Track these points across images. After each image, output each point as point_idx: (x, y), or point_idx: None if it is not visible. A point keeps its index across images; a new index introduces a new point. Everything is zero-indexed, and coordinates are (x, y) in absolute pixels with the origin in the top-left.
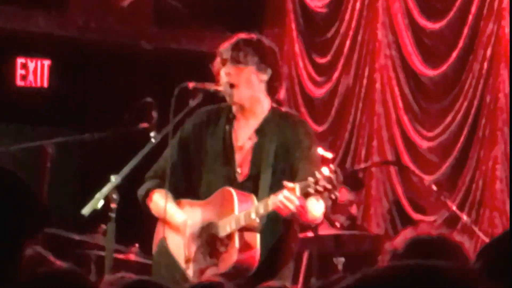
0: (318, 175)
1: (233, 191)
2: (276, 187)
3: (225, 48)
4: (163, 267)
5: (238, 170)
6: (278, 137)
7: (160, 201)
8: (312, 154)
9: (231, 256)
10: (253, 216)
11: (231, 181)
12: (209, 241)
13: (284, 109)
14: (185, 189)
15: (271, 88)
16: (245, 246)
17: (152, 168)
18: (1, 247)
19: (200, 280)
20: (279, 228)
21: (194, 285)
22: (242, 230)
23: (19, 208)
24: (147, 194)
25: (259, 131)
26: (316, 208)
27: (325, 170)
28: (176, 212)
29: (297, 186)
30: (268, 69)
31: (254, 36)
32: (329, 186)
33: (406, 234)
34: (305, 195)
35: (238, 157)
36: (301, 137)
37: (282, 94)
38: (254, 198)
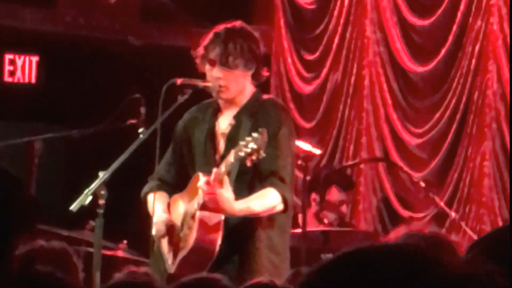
0: (248, 137)
1: (200, 174)
2: (243, 169)
3: (212, 45)
4: (154, 263)
5: (217, 156)
6: (252, 120)
7: (150, 205)
8: (279, 138)
9: (192, 235)
10: (196, 206)
11: (211, 166)
12: (181, 227)
13: (266, 96)
14: (182, 186)
15: (256, 75)
16: (207, 226)
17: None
18: None
19: (176, 267)
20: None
21: (191, 279)
22: (204, 209)
23: (9, 202)
24: (145, 197)
25: (237, 116)
26: (252, 203)
27: (254, 133)
28: (159, 212)
29: (232, 152)
30: (254, 63)
31: (237, 25)
32: (254, 146)
33: (399, 232)
34: (242, 162)
35: (219, 144)
36: (271, 120)
37: (264, 77)
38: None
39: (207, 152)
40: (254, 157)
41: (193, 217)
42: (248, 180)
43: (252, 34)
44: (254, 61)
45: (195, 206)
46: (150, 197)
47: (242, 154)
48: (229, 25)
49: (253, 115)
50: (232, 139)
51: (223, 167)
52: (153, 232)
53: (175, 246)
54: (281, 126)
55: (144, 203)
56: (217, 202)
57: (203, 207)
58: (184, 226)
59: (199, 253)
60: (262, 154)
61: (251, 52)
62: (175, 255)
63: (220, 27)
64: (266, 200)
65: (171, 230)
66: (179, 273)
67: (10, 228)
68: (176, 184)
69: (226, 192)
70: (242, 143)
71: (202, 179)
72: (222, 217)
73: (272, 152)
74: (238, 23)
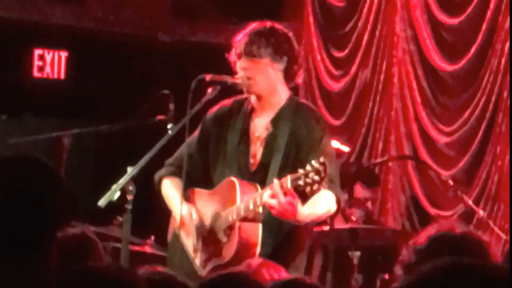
0: (308, 167)
1: (236, 181)
2: (284, 176)
3: (238, 41)
4: (176, 257)
5: (251, 160)
6: (291, 127)
7: (169, 190)
8: (322, 147)
9: (232, 247)
10: (251, 207)
11: (244, 171)
12: (213, 231)
13: (302, 100)
14: (202, 178)
15: (289, 74)
16: (246, 237)
17: (173, 155)
18: (33, 235)
19: (205, 270)
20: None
21: (217, 275)
22: (243, 220)
23: (50, 196)
24: (160, 180)
25: (274, 121)
26: (316, 207)
27: (315, 163)
28: (181, 203)
29: (288, 178)
30: (284, 57)
31: (266, 24)
32: (316, 178)
33: (430, 230)
34: (296, 189)
35: (253, 147)
36: (313, 129)
37: (300, 78)
38: (259, 188)
39: (241, 155)
40: (315, 187)
41: (231, 227)
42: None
43: (281, 30)
44: (282, 54)
45: (234, 216)
46: (166, 183)
47: (301, 183)
48: (261, 23)
49: (291, 121)
50: (270, 146)
51: (276, 186)
52: (193, 223)
53: (206, 248)
54: (323, 134)
55: (157, 185)
56: (285, 211)
57: (245, 219)
58: (218, 231)
59: (238, 263)
60: (325, 185)
61: (278, 44)
62: (207, 258)
63: (251, 26)
64: (326, 202)
65: (200, 229)
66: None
67: (50, 222)
68: (194, 175)
69: (295, 201)
70: (301, 171)
71: (266, 193)
72: (260, 231)
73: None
74: (268, 23)
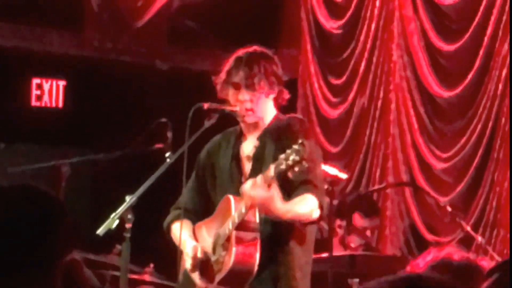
0: (288, 151)
1: (230, 196)
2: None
3: (235, 70)
4: None
5: (243, 179)
6: (276, 138)
7: (177, 234)
8: (305, 149)
9: (230, 257)
10: (243, 210)
11: (238, 190)
12: (215, 250)
13: (287, 115)
14: (206, 212)
15: (279, 99)
16: (244, 246)
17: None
18: (36, 264)
19: None
20: (271, 225)
21: None
22: (240, 229)
23: (52, 224)
24: (168, 227)
25: (260, 137)
26: (296, 206)
27: (294, 145)
28: (187, 239)
29: (271, 166)
30: (277, 87)
31: (257, 51)
32: (297, 158)
33: (428, 256)
34: (283, 177)
35: (244, 166)
36: (294, 134)
37: (286, 95)
38: None
39: (233, 176)
40: (296, 169)
41: (227, 239)
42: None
43: (272, 57)
44: (276, 83)
45: (230, 227)
46: (175, 227)
47: (283, 167)
48: (249, 49)
49: (276, 133)
50: (258, 159)
51: (259, 179)
52: (187, 264)
53: (208, 273)
54: (305, 137)
55: (167, 233)
56: (266, 203)
57: (238, 227)
58: (217, 250)
59: (238, 273)
60: (305, 164)
61: (274, 74)
62: (210, 280)
63: (240, 52)
64: (307, 203)
65: (203, 259)
66: None
67: (53, 251)
68: (200, 212)
69: (275, 191)
70: (281, 156)
71: (247, 182)
72: (258, 234)
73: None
74: (257, 47)
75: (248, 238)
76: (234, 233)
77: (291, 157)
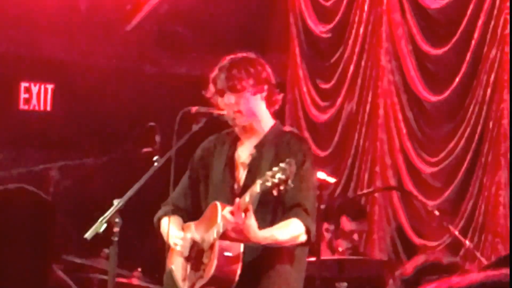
0: (274, 168)
1: (218, 203)
2: (266, 198)
3: (216, 77)
4: None
5: (236, 185)
6: (275, 151)
7: (165, 228)
8: (303, 173)
9: (212, 264)
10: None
11: (230, 196)
12: (198, 256)
13: (287, 128)
14: (197, 212)
15: (270, 101)
16: (226, 254)
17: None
18: (31, 269)
19: None
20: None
21: None
22: (224, 239)
23: (44, 226)
24: (158, 222)
25: (258, 146)
26: (276, 231)
27: (281, 164)
28: (176, 233)
29: (257, 182)
30: (265, 86)
31: (239, 56)
32: (282, 177)
33: (417, 260)
34: (268, 193)
35: (238, 173)
36: (295, 153)
37: (279, 101)
38: None
39: (225, 181)
40: (281, 188)
41: (211, 247)
42: (270, 210)
43: (256, 59)
44: (262, 83)
45: (214, 235)
46: (164, 221)
47: (269, 184)
48: (232, 56)
49: (275, 146)
50: (254, 170)
51: (247, 197)
52: (184, 254)
53: (193, 274)
54: (305, 159)
55: (157, 228)
56: (241, 231)
57: (223, 236)
58: (204, 255)
59: (218, 283)
60: (290, 184)
61: (257, 74)
62: (193, 284)
63: (225, 59)
64: (290, 229)
65: (187, 259)
66: None
67: (45, 252)
68: (190, 211)
69: (250, 221)
70: (268, 173)
71: (226, 209)
72: (242, 247)
73: (296, 184)
74: (240, 54)
75: (232, 250)
76: (217, 243)
77: (277, 175)
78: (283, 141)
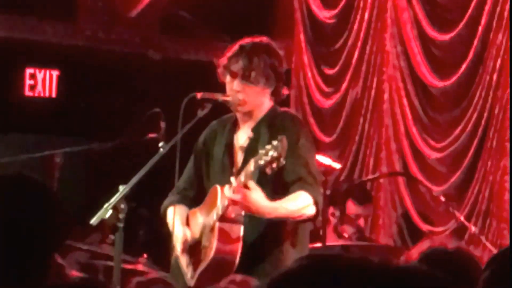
0: (267, 146)
1: (218, 186)
2: (263, 179)
3: (234, 58)
4: (175, 277)
5: (234, 169)
6: (270, 131)
7: (170, 218)
8: (299, 149)
9: (212, 247)
10: (225, 203)
11: (228, 180)
12: (200, 240)
13: (283, 109)
14: (201, 199)
15: (276, 93)
16: (226, 237)
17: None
18: (30, 258)
19: (195, 280)
20: (262, 224)
21: None
22: (223, 221)
23: (46, 214)
24: (165, 211)
25: (255, 128)
26: (285, 203)
27: (273, 141)
28: (178, 225)
29: (251, 161)
30: (275, 82)
31: (263, 41)
32: (275, 154)
33: (423, 246)
34: (262, 171)
35: (236, 156)
36: (289, 130)
37: (284, 95)
38: None
39: (224, 166)
40: (274, 165)
41: (212, 229)
42: (269, 192)
43: (277, 51)
44: (275, 79)
45: (214, 218)
46: (170, 211)
47: (262, 162)
48: (256, 40)
49: (269, 127)
50: (250, 152)
51: (242, 177)
52: (177, 248)
53: (194, 260)
54: (299, 134)
55: (163, 217)
56: (248, 206)
57: (222, 218)
58: (203, 239)
59: (219, 264)
60: (282, 161)
61: (273, 70)
62: (195, 269)
63: (246, 40)
64: (299, 201)
65: (191, 244)
66: (199, 286)
67: (47, 241)
68: (197, 198)
69: (255, 193)
70: (261, 151)
71: (226, 188)
72: (242, 228)
73: (295, 161)
74: (264, 39)
75: (231, 231)
76: (217, 224)
77: (270, 153)
78: (277, 121)
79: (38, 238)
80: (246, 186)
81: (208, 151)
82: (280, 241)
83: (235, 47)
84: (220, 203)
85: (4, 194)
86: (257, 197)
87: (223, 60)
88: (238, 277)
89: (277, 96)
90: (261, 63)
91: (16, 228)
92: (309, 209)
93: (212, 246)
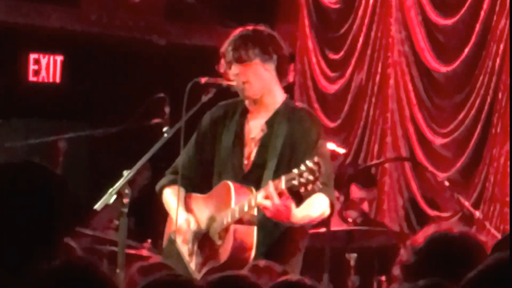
0: (302, 167)
1: (231, 184)
2: (279, 177)
3: (226, 49)
4: (170, 260)
5: (245, 161)
6: (287, 129)
7: (169, 198)
8: (318, 149)
9: (227, 249)
10: (245, 209)
11: (238, 171)
12: (208, 235)
13: (298, 103)
14: (200, 182)
15: (281, 73)
16: (241, 239)
17: (173, 163)
18: (40, 243)
19: (200, 273)
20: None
21: (220, 276)
22: (238, 223)
23: (55, 201)
24: (161, 190)
25: (269, 122)
26: (310, 210)
27: (309, 162)
28: (180, 211)
29: (282, 178)
30: (274, 56)
31: (248, 28)
32: (311, 178)
33: (428, 230)
34: (291, 189)
35: (248, 148)
36: (309, 130)
37: (291, 76)
38: (254, 190)
39: (234, 156)
40: (309, 188)
41: (226, 230)
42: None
43: (265, 31)
44: (271, 52)
45: (229, 219)
46: (167, 191)
47: (295, 182)
48: (240, 29)
49: (287, 123)
50: (265, 146)
51: (271, 188)
52: (191, 227)
53: (201, 252)
54: (319, 136)
55: (159, 195)
56: (280, 213)
57: (240, 221)
58: (214, 236)
59: (230, 266)
60: (319, 185)
61: (264, 44)
62: (203, 262)
63: (240, 29)
64: (320, 205)
65: (195, 234)
66: None
67: (57, 226)
68: (194, 180)
69: (290, 203)
70: (295, 171)
71: (260, 194)
72: (255, 233)
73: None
74: (250, 27)
75: (246, 232)
76: (232, 227)
77: (305, 175)
78: (295, 118)
79: (47, 224)
80: (281, 193)
81: (215, 135)
82: (290, 249)
83: (225, 44)
84: (236, 206)
85: (13, 181)
86: (292, 207)
87: (221, 62)
88: (262, 262)
89: (283, 76)
90: (248, 41)
91: (27, 215)
92: (326, 212)
93: (226, 248)
